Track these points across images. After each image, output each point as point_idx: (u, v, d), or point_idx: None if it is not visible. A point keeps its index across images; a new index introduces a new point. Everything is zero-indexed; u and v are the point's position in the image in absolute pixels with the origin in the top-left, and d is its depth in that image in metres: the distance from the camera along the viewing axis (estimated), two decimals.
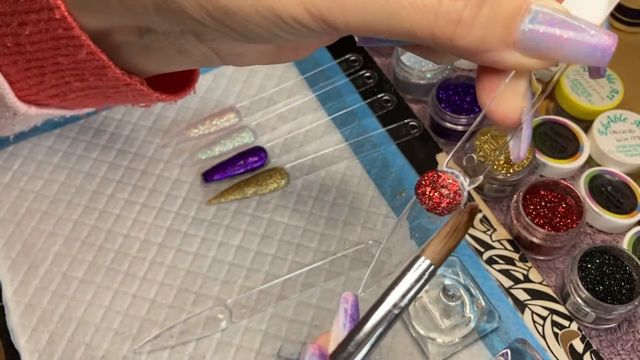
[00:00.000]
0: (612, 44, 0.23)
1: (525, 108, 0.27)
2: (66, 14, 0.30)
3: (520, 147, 0.29)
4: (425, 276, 0.27)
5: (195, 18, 0.27)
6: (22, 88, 0.36)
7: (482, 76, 0.27)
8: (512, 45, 0.24)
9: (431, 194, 0.29)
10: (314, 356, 0.26)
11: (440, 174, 0.29)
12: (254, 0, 0.24)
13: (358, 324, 0.26)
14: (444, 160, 0.30)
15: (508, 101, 0.26)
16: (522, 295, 0.49)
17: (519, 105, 0.26)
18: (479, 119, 0.30)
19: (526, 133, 0.28)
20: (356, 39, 0.30)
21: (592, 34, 0.23)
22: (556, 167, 0.54)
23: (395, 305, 0.26)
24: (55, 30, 0.31)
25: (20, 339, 0.46)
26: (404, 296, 0.26)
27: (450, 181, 0.29)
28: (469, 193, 0.30)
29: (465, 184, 0.29)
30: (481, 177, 0.30)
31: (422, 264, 0.27)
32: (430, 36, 0.24)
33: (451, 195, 0.29)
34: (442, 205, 0.29)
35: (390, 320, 0.26)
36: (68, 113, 0.41)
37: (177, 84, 0.39)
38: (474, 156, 0.30)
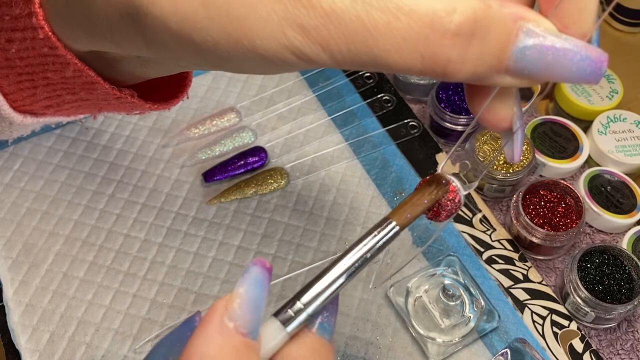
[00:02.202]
0: (602, 62, 0.23)
1: (516, 114, 0.27)
2: (50, 34, 0.30)
3: (513, 150, 0.29)
4: (389, 236, 0.28)
5: (189, 61, 0.27)
6: (16, 99, 0.36)
7: (471, 88, 0.27)
8: (504, 71, 0.24)
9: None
10: (258, 269, 0.27)
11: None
12: (244, 50, 0.24)
13: (320, 273, 0.27)
14: (443, 160, 0.30)
15: (498, 109, 0.27)
16: (522, 295, 0.49)
17: (509, 112, 0.27)
18: (472, 123, 0.30)
19: (519, 136, 0.28)
20: None
21: (582, 54, 0.23)
22: (556, 167, 0.55)
23: (357, 260, 0.27)
24: (41, 49, 0.31)
25: (21, 339, 0.46)
26: (367, 252, 0.27)
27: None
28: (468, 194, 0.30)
29: (462, 188, 0.29)
30: (476, 183, 0.30)
31: (389, 225, 0.28)
32: (420, 73, 0.24)
33: (449, 203, 0.29)
34: (443, 215, 0.29)
35: (351, 273, 0.27)
36: (65, 120, 0.41)
37: (170, 90, 0.39)
38: (468, 163, 0.30)
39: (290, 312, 0.27)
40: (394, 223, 0.28)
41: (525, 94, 0.29)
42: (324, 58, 0.24)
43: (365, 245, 0.27)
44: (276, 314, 0.27)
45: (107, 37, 0.28)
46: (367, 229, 0.51)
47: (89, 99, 0.35)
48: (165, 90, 0.38)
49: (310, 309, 0.27)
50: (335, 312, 0.28)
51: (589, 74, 0.23)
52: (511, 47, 0.23)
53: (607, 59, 0.23)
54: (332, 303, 0.28)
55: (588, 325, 0.48)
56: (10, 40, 0.32)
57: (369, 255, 0.27)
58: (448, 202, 0.29)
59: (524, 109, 0.28)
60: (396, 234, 0.28)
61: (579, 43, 0.23)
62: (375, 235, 0.28)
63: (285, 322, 0.27)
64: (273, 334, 0.26)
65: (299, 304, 0.27)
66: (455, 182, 0.29)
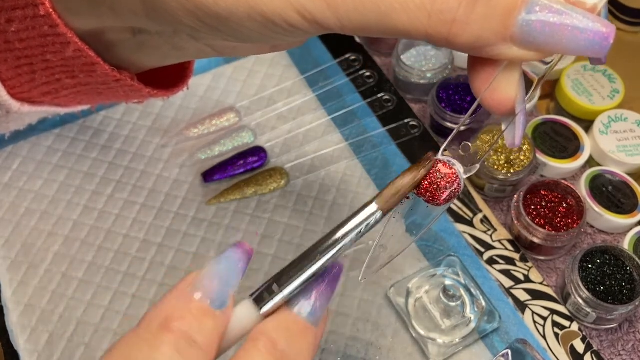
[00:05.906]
0: (609, 34, 0.23)
1: (519, 96, 0.27)
2: (51, 10, 0.30)
3: (514, 134, 0.29)
4: (372, 221, 0.28)
5: (187, 24, 0.27)
6: (14, 86, 0.36)
7: (475, 66, 0.27)
8: (509, 40, 0.24)
9: (429, 188, 0.29)
10: (234, 248, 0.27)
11: (435, 164, 0.29)
12: (246, 7, 0.24)
13: (300, 256, 0.28)
14: (443, 158, 0.30)
15: (502, 90, 0.26)
16: (523, 296, 0.49)
17: (513, 93, 0.26)
18: (473, 107, 0.29)
19: (520, 120, 0.28)
20: None
21: (589, 25, 0.23)
22: (557, 167, 0.54)
23: (338, 242, 0.27)
24: (42, 28, 0.31)
25: (20, 339, 0.46)
26: (347, 234, 0.27)
27: (447, 171, 0.29)
28: (465, 186, 0.29)
29: (462, 171, 0.29)
30: (477, 166, 0.30)
31: (371, 209, 0.28)
32: (425, 36, 0.24)
33: (448, 186, 0.28)
34: (442, 198, 0.28)
35: (329, 257, 0.27)
36: (62, 111, 0.41)
37: (170, 80, 0.39)
38: (470, 144, 0.30)
39: (265, 293, 0.27)
40: (376, 207, 0.28)
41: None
42: (328, 17, 0.23)
43: (345, 229, 0.27)
44: (252, 295, 0.27)
45: (107, 1, 0.28)
46: None
47: (89, 84, 0.35)
48: (166, 81, 0.38)
49: (286, 291, 0.27)
50: (328, 297, 0.28)
51: (595, 45, 0.23)
52: (517, 12, 0.23)
53: (615, 32, 0.23)
54: (326, 287, 0.28)
55: (589, 325, 0.48)
56: (10, 20, 0.32)
57: (348, 240, 0.27)
58: (447, 184, 0.29)
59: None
60: (379, 218, 0.28)
61: (587, 14, 0.23)
62: (356, 220, 0.28)
63: (260, 303, 0.27)
64: (245, 313, 0.27)
65: (274, 286, 0.27)
66: (456, 165, 0.29)
